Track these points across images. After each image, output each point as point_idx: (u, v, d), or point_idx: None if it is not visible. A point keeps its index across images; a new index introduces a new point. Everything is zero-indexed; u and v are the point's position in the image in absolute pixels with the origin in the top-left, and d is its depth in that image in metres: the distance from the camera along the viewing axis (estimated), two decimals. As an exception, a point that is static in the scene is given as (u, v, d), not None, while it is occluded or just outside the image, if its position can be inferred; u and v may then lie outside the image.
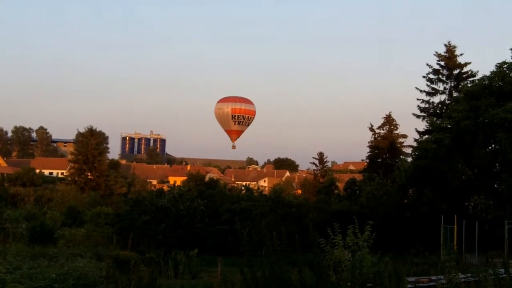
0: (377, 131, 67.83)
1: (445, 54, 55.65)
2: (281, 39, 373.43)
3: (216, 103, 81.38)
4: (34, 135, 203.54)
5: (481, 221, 37.77)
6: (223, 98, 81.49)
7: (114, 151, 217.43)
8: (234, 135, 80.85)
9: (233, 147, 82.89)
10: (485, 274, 13.06)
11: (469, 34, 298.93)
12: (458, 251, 32.57)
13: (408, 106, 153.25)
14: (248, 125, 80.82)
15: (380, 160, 66.81)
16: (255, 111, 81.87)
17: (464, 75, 54.84)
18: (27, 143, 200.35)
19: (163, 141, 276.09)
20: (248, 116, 79.84)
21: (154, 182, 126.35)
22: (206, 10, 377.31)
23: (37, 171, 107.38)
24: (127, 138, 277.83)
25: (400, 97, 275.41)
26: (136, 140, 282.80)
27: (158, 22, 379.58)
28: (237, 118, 78.32)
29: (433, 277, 17.63)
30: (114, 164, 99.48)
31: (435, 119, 50.30)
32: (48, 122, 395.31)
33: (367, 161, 69.38)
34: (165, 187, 71.50)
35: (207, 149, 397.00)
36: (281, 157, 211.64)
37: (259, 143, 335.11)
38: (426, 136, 50.25)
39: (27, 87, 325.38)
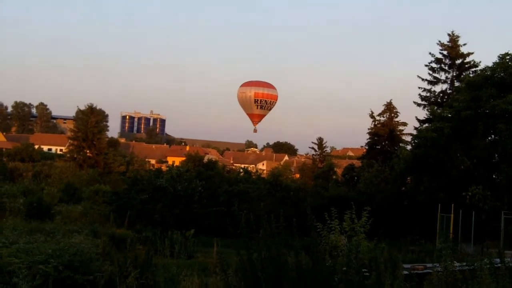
0: (377, 118, 68.02)
1: (448, 43, 55.55)
2: (281, 24, 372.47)
3: (239, 87, 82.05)
4: (34, 111, 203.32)
5: (478, 211, 37.83)
6: (246, 82, 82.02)
7: (113, 130, 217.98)
8: (256, 119, 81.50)
9: (255, 130, 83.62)
10: (480, 263, 13.07)
11: (473, 25, 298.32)
12: (454, 240, 32.65)
13: (409, 94, 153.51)
14: (270, 109, 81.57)
15: (379, 147, 66.99)
16: (277, 96, 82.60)
17: (466, 65, 54.73)
18: (27, 118, 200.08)
19: (162, 121, 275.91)
20: (271, 101, 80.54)
21: (153, 161, 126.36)
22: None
23: (36, 147, 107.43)
24: (127, 117, 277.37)
25: (402, 85, 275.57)
26: (136, 119, 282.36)
27: (161, 4, 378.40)
28: (259, 102, 78.88)
29: (428, 265, 17.66)
30: (113, 142, 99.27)
31: (435, 108, 50.22)
32: (49, 99, 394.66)
33: (366, 147, 69.55)
34: (164, 167, 71.50)
35: (206, 130, 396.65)
36: (280, 141, 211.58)
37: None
38: (426, 125, 50.24)
39: (28, 63, 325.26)
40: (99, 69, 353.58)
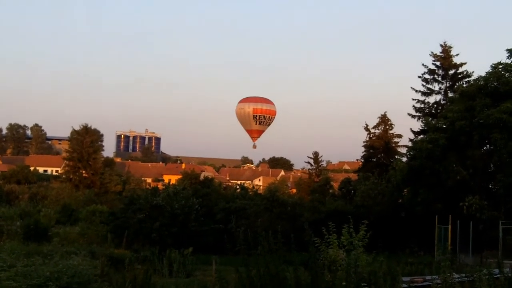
0: (372, 130, 67.97)
1: (440, 54, 55.71)
2: (275, 39, 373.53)
3: (238, 103, 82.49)
4: (29, 132, 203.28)
5: (475, 221, 37.83)
6: (245, 98, 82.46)
7: (109, 149, 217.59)
8: (255, 134, 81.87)
9: (254, 146, 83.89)
10: (479, 274, 13.07)
11: (465, 35, 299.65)
12: (452, 251, 32.63)
13: (403, 106, 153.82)
14: (269, 125, 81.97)
15: (375, 160, 66.92)
16: (275, 111, 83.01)
17: (459, 76, 54.88)
18: (22, 140, 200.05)
19: (158, 140, 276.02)
20: (269, 116, 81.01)
21: (149, 180, 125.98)
22: (202, 12, 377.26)
23: (32, 168, 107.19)
24: (122, 136, 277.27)
25: (396, 97, 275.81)
26: (131, 138, 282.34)
27: (155, 22, 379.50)
28: (258, 118, 79.17)
29: (428, 277, 17.65)
30: (109, 162, 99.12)
31: (430, 119, 50.28)
32: (43, 120, 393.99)
33: (362, 160, 69.53)
34: (160, 186, 71.35)
35: (202, 147, 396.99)
36: (276, 156, 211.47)
37: (251, 142, 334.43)
38: (421, 136, 50.26)
39: (22, 84, 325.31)
40: (93, 89, 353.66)
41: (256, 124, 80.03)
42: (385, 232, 37.96)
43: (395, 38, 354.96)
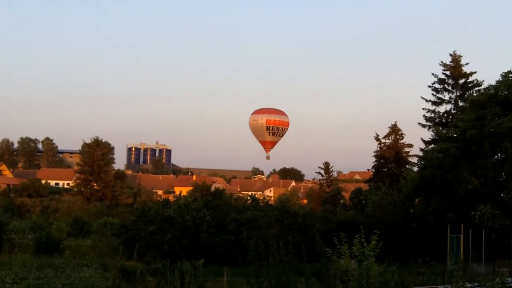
0: (383, 140, 67.89)
1: (450, 63, 55.67)
2: (283, 49, 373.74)
3: (251, 115, 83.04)
4: (40, 146, 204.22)
5: (487, 230, 37.65)
6: (258, 110, 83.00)
7: (119, 162, 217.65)
8: (269, 145, 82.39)
9: (267, 157, 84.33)
10: (492, 283, 13.03)
11: (475, 43, 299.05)
12: (464, 260, 32.49)
13: (413, 115, 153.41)
14: (282, 136, 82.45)
15: (386, 170, 66.79)
16: (289, 122, 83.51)
17: (469, 85, 54.79)
18: (33, 154, 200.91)
19: (168, 152, 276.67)
20: (282, 127, 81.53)
21: (160, 192, 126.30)
22: (211, 21, 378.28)
23: (43, 181, 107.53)
24: (133, 148, 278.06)
25: (406, 107, 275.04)
26: (141, 151, 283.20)
27: (164, 32, 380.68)
28: (271, 129, 79.65)
29: (440, 287, 17.59)
30: (120, 174, 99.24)
31: (441, 128, 50.18)
32: (54, 133, 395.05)
33: (373, 170, 69.42)
34: (171, 198, 71.42)
35: (212, 159, 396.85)
36: (287, 167, 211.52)
37: (264, 153, 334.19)
38: (432, 146, 50.18)
39: (32, 98, 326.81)
40: (104, 101, 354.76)
41: (269, 135, 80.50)
42: (397, 242, 37.84)
43: (404, 47, 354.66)
